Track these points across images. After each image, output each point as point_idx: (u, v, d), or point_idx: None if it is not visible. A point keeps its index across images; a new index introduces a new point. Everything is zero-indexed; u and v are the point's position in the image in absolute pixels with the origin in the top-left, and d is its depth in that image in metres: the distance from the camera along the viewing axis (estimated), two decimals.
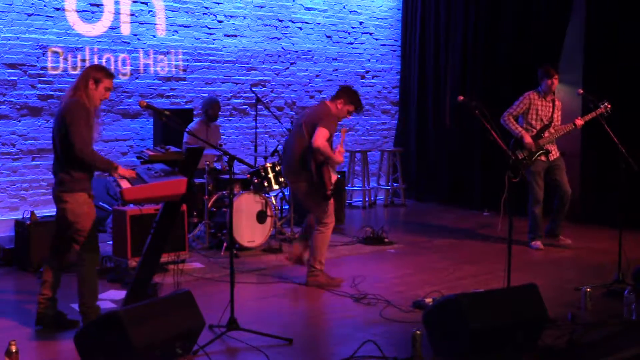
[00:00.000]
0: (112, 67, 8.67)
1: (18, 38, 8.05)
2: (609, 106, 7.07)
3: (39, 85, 8.23)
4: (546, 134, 7.49)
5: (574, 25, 9.27)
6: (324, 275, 6.10)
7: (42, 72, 8.24)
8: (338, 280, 6.13)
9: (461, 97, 5.58)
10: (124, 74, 8.79)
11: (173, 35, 9.16)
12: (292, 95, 10.31)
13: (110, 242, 6.80)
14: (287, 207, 8.65)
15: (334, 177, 6.01)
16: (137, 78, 8.91)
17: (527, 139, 7.44)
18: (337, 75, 10.81)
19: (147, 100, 5.11)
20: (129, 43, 8.81)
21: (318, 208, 6.07)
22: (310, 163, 5.90)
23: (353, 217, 9.65)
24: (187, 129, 5.32)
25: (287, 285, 6.18)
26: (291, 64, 10.29)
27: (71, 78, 8.36)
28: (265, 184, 7.46)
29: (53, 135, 4.87)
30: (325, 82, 10.68)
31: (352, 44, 10.97)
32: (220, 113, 8.33)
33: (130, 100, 8.84)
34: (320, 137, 5.77)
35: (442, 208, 10.58)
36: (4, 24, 7.97)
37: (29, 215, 6.67)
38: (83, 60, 8.45)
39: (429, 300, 5.37)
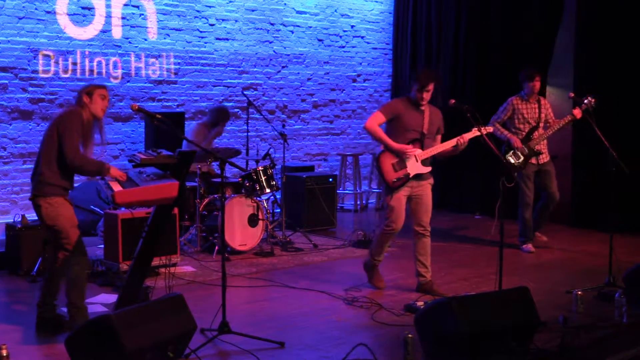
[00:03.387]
0: (104, 71, 8.65)
1: (9, 41, 8.02)
2: (593, 100, 6.98)
3: (30, 89, 8.20)
4: (535, 135, 7.51)
5: (564, 28, 9.31)
6: (377, 271, 6.15)
7: (33, 75, 8.21)
8: (382, 284, 6.12)
9: (452, 101, 5.60)
10: (115, 77, 8.77)
11: (164, 38, 9.14)
12: (284, 99, 10.31)
13: (102, 246, 6.78)
14: (278, 210, 8.64)
15: (407, 170, 5.89)
16: (128, 81, 8.89)
17: (517, 142, 7.46)
18: (328, 79, 10.82)
19: (138, 104, 5.11)
20: (120, 46, 8.79)
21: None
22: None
23: (345, 220, 9.64)
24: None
25: (278, 288, 6.17)
26: (283, 67, 10.29)
27: (62, 81, 8.35)
28: (257, 187, 7.45)
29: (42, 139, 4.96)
30: (316, 85, 10.69)
31: (343, 47, 10.99)
32: None
33: (121, 104, 8.82)
34: (370, 118, 5.89)
35: (433, 211, 10.52)
36: None
37: (19, 219, 6.65)
38: (74, 64, 8.43)
39: (420, 303, 5.37)
